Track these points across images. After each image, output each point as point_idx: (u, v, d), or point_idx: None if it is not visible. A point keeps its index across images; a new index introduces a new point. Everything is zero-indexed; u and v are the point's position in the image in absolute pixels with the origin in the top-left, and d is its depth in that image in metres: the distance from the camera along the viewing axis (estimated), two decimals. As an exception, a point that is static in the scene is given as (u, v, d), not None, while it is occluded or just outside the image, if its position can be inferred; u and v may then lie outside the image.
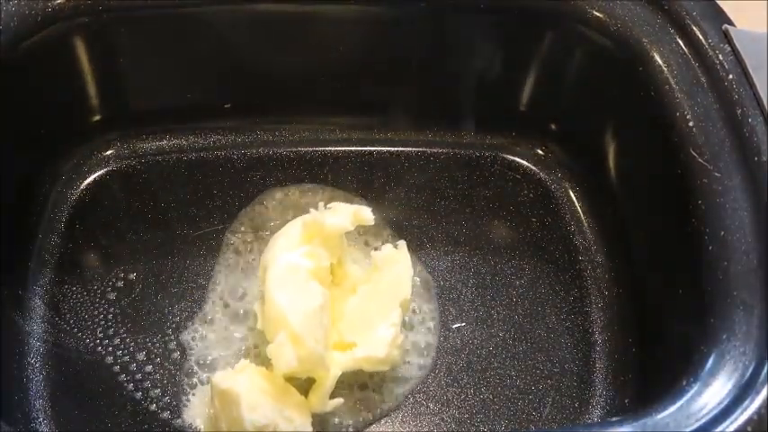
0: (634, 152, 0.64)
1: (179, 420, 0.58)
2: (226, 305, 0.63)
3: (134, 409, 0.58)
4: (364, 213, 0.59)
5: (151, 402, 0.58)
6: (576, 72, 0.66)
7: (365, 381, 0.60)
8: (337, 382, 0.56)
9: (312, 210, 0.59)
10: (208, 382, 0.58)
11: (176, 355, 0.60)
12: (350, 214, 0.59)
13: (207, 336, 0.61)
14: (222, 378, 0.54)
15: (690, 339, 0.51)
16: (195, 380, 0.59)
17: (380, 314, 0.57)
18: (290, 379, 0.55)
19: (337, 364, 0.56)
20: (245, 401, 0.52)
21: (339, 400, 0.56)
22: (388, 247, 0.61)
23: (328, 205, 0.60)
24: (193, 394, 0.59)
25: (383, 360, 0.57)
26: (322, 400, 0.55)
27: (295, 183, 0.70)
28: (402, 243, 0.61)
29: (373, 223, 0.60)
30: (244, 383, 0.53)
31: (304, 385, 0.56)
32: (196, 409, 0.58)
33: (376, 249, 0.64)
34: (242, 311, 0.62)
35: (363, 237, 0.67)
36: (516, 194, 0.71)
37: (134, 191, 0.69)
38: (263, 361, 0.56)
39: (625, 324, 0.63)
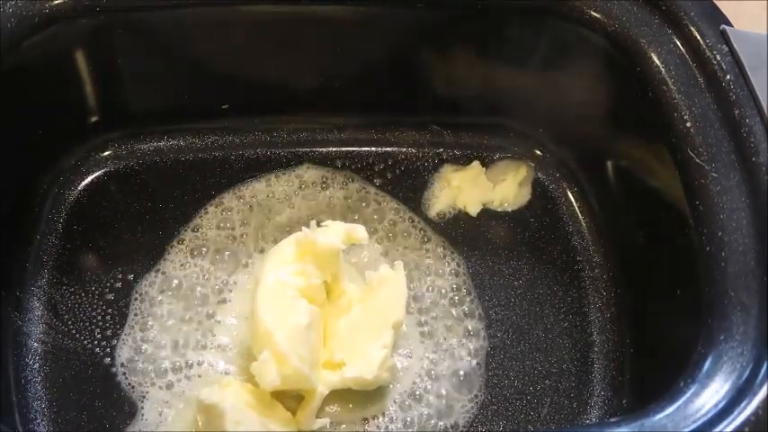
0: (631, 153, 0.64)
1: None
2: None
3: (132, 411, 0.58)
4: (358, 232, 0.59)
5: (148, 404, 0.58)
6: (573, 72, 0.66)
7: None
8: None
9: (305, 228, 0.59)
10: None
11: (175, 356, 0.60)
12: (342, 233, 0.58)
13: (205, 337, 0.61)
14: (208, 394, 0.53)
15: (687, 340, 0.51)
16: (194, 381, 0.59)
17: (372, 335, 0.57)
18: (281, 394, 0.55)
19: (325, 383, 0.55)
20: (229, 416, 0.52)
21: (326, 420, 0.56)
22: (385, 267, 0.60)
23: (322, 223, 0.60)
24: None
25: (371, 382, 0.56)
26: (309, 418, 0.55)
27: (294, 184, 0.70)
28: (399, 264, 0.60)
29: (367, 242, 0.60)
30: (229, 399, 0.53)
31: (294, 402, 0.56)
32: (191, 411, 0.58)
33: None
34: (236, 315, 0.62)
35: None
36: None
37: (132, 192, 0.69)
38: (250, 376, 0.55)
39: (623, 325, 0.63)
